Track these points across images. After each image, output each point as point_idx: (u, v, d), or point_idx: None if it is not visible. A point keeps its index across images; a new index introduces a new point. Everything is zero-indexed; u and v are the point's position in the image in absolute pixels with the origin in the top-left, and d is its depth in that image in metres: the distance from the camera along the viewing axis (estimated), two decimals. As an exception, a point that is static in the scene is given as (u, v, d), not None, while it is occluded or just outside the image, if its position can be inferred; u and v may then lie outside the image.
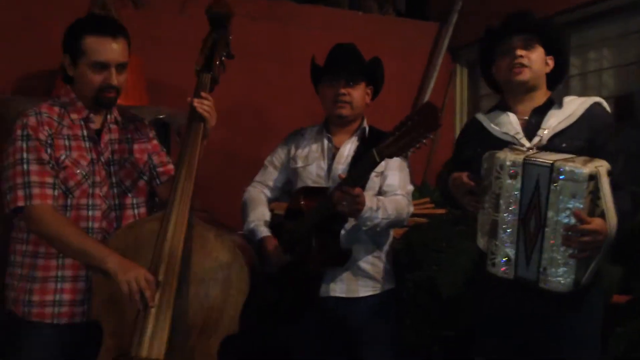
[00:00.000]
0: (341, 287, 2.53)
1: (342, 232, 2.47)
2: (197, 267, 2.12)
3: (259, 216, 2.62)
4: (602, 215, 1.94)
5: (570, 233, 1.93)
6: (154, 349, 1.99)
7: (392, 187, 2.55)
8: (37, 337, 2.17)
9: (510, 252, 2.06)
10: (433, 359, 3.22)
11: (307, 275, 2.48)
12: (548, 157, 2.00)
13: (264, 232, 2.57)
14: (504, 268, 2.08)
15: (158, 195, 2.43)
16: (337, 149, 2.63)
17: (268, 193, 2.74)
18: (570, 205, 1.92)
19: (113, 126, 2.32)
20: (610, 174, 1.95)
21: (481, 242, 2.17)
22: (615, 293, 2.77)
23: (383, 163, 2.43)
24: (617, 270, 2.81)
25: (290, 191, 2.75)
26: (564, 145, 2.11)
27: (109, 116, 2.31)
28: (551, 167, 1.94)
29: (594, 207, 1.94)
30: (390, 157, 2.17)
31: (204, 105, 2.18)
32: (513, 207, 2.04)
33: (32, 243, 2.18)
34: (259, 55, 4.42)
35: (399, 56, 4.90)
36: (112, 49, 2.18)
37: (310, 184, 2.60)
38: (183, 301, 2.08)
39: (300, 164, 2.65)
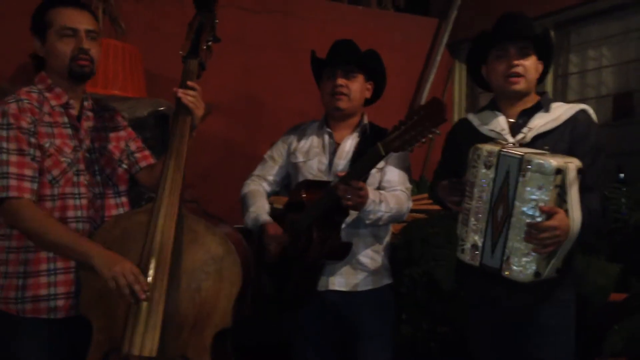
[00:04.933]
0: (340, 281, 2.52)
1: (343, 225, 2.46)
2: (188, 260, 2.05)
3: (259, 207, 2.61)
4: (567, 211, 1.96)
5: (531, 229, 1.95)
6: (146, 347, 1.94)
7: (392, 182, 2.55)
8: (33, 334, 2.09)
9: (479, 240, 2.10)
10: (430, 354, 3.23)
11: (307, 267, 2.48)
12: (521, 150, 2.04)
13: (268, 219, 2.56)
14: (470, 255, 2.12)
15: (139, 181, 2.37)
16: (337, 144, 2.63)
17: (267, 187, 2.73)
18: (535, 197, 1.95)
19: (89, 114, 2.27)
20: (580, 172, 1.98)
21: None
22: (613, 291, 2.79)
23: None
24: (615, 268, 2.83)
25: (289, 186, 2.74)
26: (546, 147, 2.15)
27: (85, 102, 2.26)
28: (521, 159, 1.98)
29: (561, 202, 1.97)
30: (396, 151, 2.18)
31: (189, 97, 2.12)
32: (485, 196, 2.08)
33: (15, 238, 2.09)
34: (258, 49, 4.42)
35: (398, 51, 4.90)
36: (78, 15, 2.13)
37: (310, 178, 2.59)
38: (174, 295, 2.02)
39: (300, 158, 2.65)
